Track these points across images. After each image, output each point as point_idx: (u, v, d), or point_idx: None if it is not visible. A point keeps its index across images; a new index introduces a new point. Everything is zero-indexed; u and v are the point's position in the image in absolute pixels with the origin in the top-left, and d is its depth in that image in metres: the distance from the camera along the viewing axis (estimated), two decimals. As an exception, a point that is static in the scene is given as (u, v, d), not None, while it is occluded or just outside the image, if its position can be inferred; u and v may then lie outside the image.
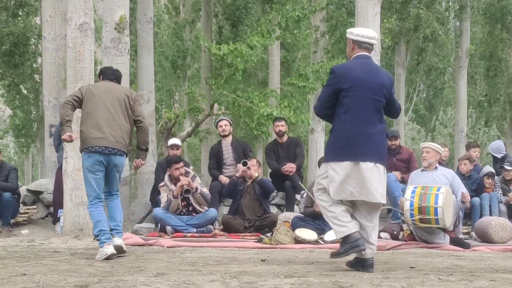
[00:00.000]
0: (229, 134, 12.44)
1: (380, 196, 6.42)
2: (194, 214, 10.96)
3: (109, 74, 8.29)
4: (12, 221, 11.43)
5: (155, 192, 11.81)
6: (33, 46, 25.69)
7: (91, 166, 7.86)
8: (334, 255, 6.46)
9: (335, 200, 6.42)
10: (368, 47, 6.60)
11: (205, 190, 11.15)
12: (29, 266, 6.76)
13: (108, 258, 7.56)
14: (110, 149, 7.85)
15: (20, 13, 25.01)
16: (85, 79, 10.54)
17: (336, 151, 6.43)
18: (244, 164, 11.21)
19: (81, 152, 7.98)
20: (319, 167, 11.06)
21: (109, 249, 7.66)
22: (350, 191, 6.34)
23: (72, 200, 10.46)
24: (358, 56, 6.58)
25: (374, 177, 6.39)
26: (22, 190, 12.30)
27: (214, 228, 11.00)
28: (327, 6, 19.16)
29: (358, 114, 6.36)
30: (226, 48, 13.27)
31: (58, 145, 11.95)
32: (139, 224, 11.58)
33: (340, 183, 6.34)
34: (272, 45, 16.17)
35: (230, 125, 12.53)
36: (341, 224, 6.35)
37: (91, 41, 10.74)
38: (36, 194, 12.48)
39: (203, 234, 10.61)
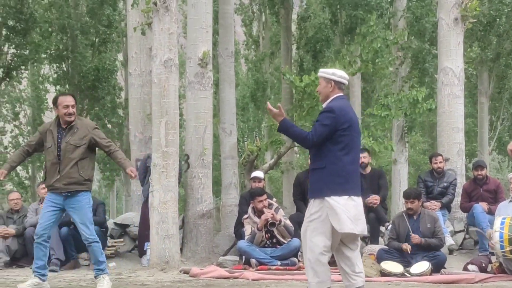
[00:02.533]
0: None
1: (365, 229, 6.72)
2: (278, 246, 10.96)
3: None
4: (100, 254, 11.64)
5: (239, 225, 11.85)
6: (115, 81, 26.28)
7: None
8: None
9: (327, 247, 6.49)
10: (344, 88, 6.87)
11: (288, 222, 11.13)
12: (119, 299, 6.88)
13: None
14: None
15: (104, 50, 25.67)
16: (170, 114, 10.74)
17: (334, 186, 6.51)
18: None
19: (89, 191, 8.29)
20: (404, 198, 10.97)
21: None
22: (352, 223, 6.47)
23: (158, 234, 10.61)
24: (341, 97, 6.78)
25: (362, 210, 6.65)
26: (109, 224, 12.53)
27: (299, 261, 10.96)
28: (409, 36, 19.01)
29: (352, 151, 6.63)
30: (307, 79, 13.29)
31: (143, 179, 12.15)
32: (224, 256, 11.64)
33: (345, 215, 6.44)
34: (354, 75, 16.14)
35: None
36: (318, 276, 6.47)
37: (175, 76, 10.96)
38: (123, 228, 12.69)
39: (287, 267, 10.59)
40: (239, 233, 11.76)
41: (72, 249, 11.37)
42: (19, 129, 29.53)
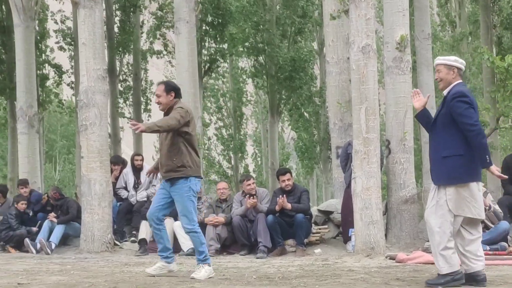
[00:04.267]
0: None
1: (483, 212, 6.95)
2: (486, 230, 10.65)
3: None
4: (305, 240, 11.83)
5: (444, 210, 11.64)
6: (311, 70, 26.57)
7: (197, 192, 8.21)
8: (431, 283, 6.91)
9: (452, 233, 6.83)
10: (463, 74, 7.14)
11: (497, 208, 10.80)
12: (327, 285, 6.99)
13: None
14: None
15: (300, 40, 26.05)
16: (369, 100, 10.71)
17: (472, 172, 6.81)
18: None
19: (190, 177, 8.02)
20: None
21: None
22: (470, 209, 6.81)
23: (362, 220, 10.64)
24: (463, 84, 7.05)
25: (481, 195, 6.95)
26: (313, 211, 12.70)
27: (509, 246, 10.61)
28: None
29: None
30: (510, 59, 12.80)
31: (345, 166, 12.22)
32: (429, 242, 11.45)
33: (480, 201, 6.87)
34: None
35: None
36: (449, 261, 6.82)
37: (373, 62, 10.91)
38: (326, 214, 12.81)
39: (497, 252, 10.28)
40: (443, 218, 11.54)
41: (279, 236, 11.63)
42: (222, 121, 30.60)
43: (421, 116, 7.29)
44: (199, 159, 8.26)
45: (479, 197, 6.85)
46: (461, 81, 7.02)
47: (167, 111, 8.09)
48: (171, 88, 8.17)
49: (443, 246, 6.81)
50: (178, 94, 8.21)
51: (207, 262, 8.07)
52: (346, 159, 12.08)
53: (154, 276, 8.10)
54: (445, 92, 7.03)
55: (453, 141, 6.81)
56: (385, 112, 12.73)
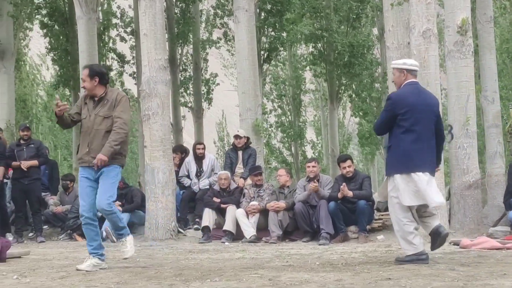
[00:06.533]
0: None
1: (433, 201, 7.55)
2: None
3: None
4: (368, 227, 11.81)
5: (508, 195, 11.49)
6: (371, 56, 26.36)
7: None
8: (398, 261, 7.65)
9: (409, 218, 7.59)
10: (416, 74, 7.86)
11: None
12: (391, 271, 6.96)
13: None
14: None
15: (359, 25, 25.87)
16: (431, 85, 10.62)
17: (397, 164, 7.58)
18: None
19: (120, 166, 7.90)
20: None
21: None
22: (411, 198, 7.51)
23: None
24: (410, 83, 7.72)
25: (428, 184, 7.48)
26: (375, 197, 12.63)
27: None
28: None
29: (415, 133, 7.51)
30: None
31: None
32: (494, 227, 11.35)
33: (406, 191, 7.49)
34: None
35: None
36: (412, 243, 7.55)
37: (434, 46, 10.82)
38: (388, 200, 12.74)
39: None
40: (508, 203, 11.42)
41: (341, 223, 11.64)
42: (281, 109, 30.51)
43: None
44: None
45: (410, 186, 7.50)
46: (411, 80, 7.70)
47: (99, 97, 7.87)
48: (95, 73, 7.88)
49: (402, 231, 7.63)
50: (103, 79, 7.95)
51: (127, 233, 8.01)
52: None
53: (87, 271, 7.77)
54: None
55: (389, 135, 7.79)
56: (447, 96, 12.59)
